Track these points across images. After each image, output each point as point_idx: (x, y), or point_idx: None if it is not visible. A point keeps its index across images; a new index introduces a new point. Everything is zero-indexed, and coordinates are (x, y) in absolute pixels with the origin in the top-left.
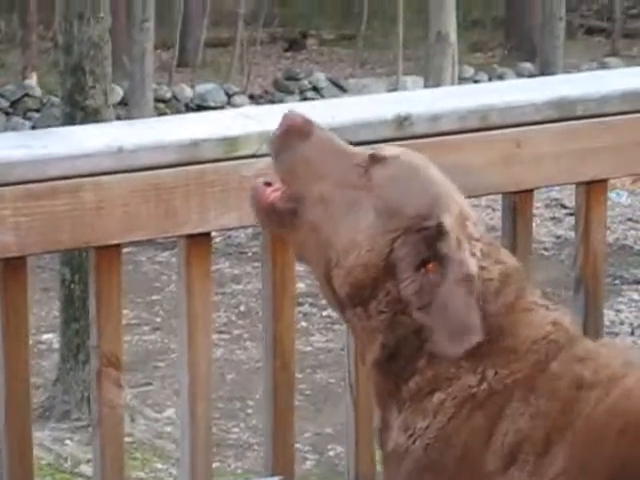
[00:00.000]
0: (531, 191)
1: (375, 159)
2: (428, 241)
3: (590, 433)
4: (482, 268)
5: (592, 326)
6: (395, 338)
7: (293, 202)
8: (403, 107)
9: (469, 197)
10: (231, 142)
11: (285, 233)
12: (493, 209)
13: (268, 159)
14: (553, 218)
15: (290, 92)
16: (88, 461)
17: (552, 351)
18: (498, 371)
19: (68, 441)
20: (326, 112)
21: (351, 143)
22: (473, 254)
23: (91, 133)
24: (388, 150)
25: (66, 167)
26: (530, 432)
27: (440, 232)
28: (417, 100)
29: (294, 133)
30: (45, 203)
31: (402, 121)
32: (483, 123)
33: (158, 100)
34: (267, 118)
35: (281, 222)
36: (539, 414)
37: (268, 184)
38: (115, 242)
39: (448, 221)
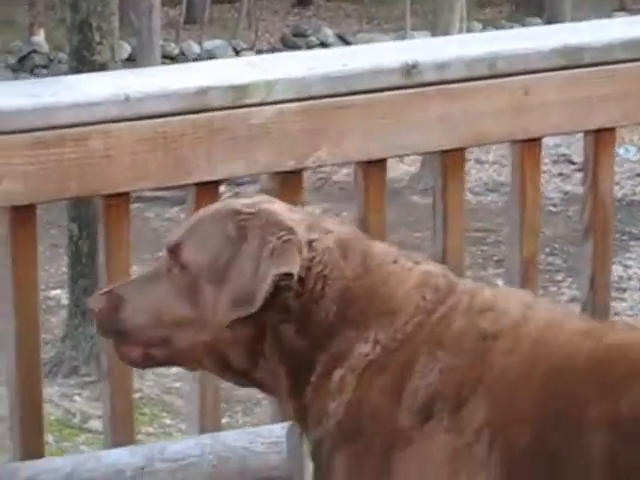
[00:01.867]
0: (539, 139)
1: (173, 251)
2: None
3: (508, 384)
4: (312, 241)
5: (600, 278)
6: (291, 357)
7: (163, 347)
8: (410, 55)
9: (477, 145)
10: (239, 90)
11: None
12: (501, 165)
13: (276, 107)
14: (561, 174)
15: (298, 48)
16: (97, 416)
17: (429, 294)
18: (385, 330)
19: (77, 397)
20: (337, 61)
21: (362, 92)
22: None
23: (99, 81)
24: (172, 236)
25: (74, 115)
26: (442, 387)
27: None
28: (424, 48)
29: (110, 310)
30: (53, 151)
31: (410, 69)
32: (490, 71)
33: (165, 57)
34: (274, 66)
35: (166, 362)
36: (448, 368)
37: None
38: (123, 190)
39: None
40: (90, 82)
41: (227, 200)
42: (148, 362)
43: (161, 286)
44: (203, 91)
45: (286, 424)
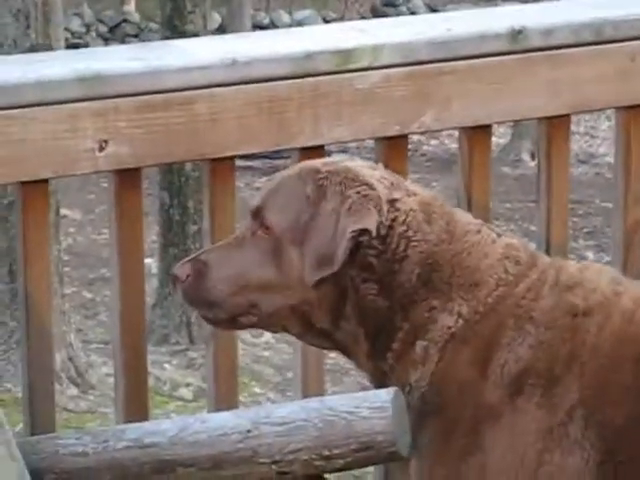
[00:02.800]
0: None
1: (256, 215)
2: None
3: (602, 363)
4: (395, 200)
5: None
6: (371, 319)
7: (249, 314)
8: (517, 20)
9: (582, 112)
10: (345, 55)
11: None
12: (592, 136)
13: (382, 72)
14: None
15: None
16: (187, 384)
17: (511, 267)
18: (468, 303)
19: (167, 365)
20: (441, 25)
21: (467, 57)
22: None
23: (205, 45)
24: (255, 200)
25: (180, 79)
26: (533, 362)
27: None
28: (531, 14)
29: (196, 279)
30: (160, 115)
31: (516, 34)
32: (597, 37)
33: (255, 26)
34: (379, 31)
35: (251, 325)
36: (539, 344)
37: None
38: (229, 154)
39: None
40: (197, 46)
41: (307, 161)
42: (235, 325)
43: (246, 251)
44: (310, 56)
45: (392, 390)
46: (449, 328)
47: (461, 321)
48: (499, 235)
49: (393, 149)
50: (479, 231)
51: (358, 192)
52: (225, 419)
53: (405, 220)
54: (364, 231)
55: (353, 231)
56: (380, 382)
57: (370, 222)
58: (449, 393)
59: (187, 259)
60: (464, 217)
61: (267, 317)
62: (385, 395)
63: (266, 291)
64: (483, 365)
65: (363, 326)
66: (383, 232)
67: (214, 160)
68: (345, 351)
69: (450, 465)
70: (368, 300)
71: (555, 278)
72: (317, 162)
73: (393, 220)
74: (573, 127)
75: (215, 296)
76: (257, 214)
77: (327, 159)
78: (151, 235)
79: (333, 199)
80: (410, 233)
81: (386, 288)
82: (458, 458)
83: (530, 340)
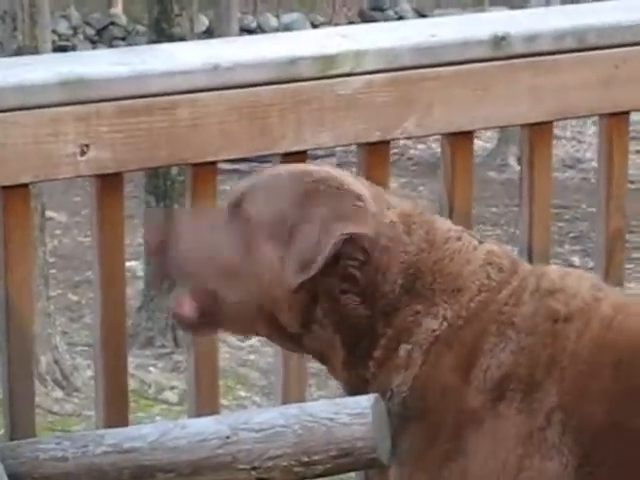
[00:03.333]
0: (627, 113)
1: (235, 204)
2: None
3: (580, 368)
4: (375, 214)
5: None
6: (349, 327)
7: (206, 296)
8: (500, 27)
9: (564, 119)
10: (328, 60)
11: (224, 327)
12: (579, 141)
13: (365, 77)
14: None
15: (376, 22)
16: (172, 387)
17: (493, 273)
18: (452, 307)
19: (152, 368)
20: (425, 31)
21: (451, 63)
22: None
23: (188, 50)
24: (236, 190)
25: (163, 84)
26: (514, 368)
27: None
28: (514, 20)
29: (164, 249)
30: (142, 120)
31: (499, 41)
32: (580, 44)
33: (243, 30)
34: (363, 37)
35: (215, 321)
36: (520, 349)
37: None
38: (211, 159)
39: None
40: (180, 51)
41: (295, 164)
42: (202, 322)
43: (219, 233)
44: (292, 61)
45: (372, 396)
46: (433, 331)
47: (445, 324)
48: (480, 242)
49: (375, 155)
50: (459, 238)
51: (350, 201)
52: (205, 425)
53: (386, 233)
54: (349, 240)
55: (342, 234)
56: (355, 390)
57: (365, 228)
58: (432, 398)
59: (158, 224)
60: (444, 225)
61: (230, 310)
62: (365, 401)
63: (233, 280)
64: (466, 370)
65: (339, 333)
66: (366, 245)
67: (196, 165)
68: (321, 357)
69: (432, 470)
70: (349, 309)
71: (536, 284)
72: (307, 166)
73: (374, 233)
74: (559, 132)
75: (179, 268)
76: (237, 204)
77: (318, 166)
78: (137, 238)
79: (325, 206)
80: (391, 245)
81: (368, 298)
82: (440, 463)
83: (512, 346)
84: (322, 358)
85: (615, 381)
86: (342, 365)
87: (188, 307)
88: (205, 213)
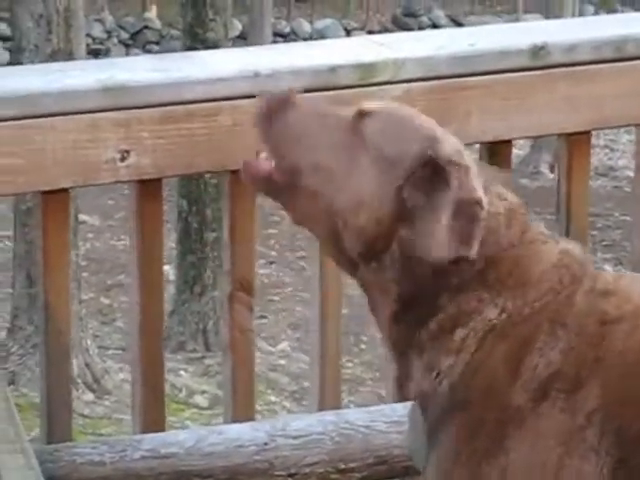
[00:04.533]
0: None
1: (362, 115)
2: (433, 178)
3: (624, 369)
4: (488, 203)
5: None
6: (412, 285)
7: (289, 174)
8: (539, 36)
9: (602, 128)
10: (367, 68)
11: (284, 203)
12: (611, 149)
13: (404, 86)
14: None
15: (409, 28)
16: (202, 392)
17: (566, 278)
18: (516, 302)
19: (182, 372)
20: (464, 40)
21: (489, 72)
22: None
23: (227, 57)
24: (373, 104)
25: (203, 91)
26: (562, 367)
27: (440, 165)
28: (552, 30)
29: (277, 105)
30: (182, 126)
31: (538, 50)
32: (618, 53)
33: (276, 34)
34: (401, 45)
35: (279, 194)
36: (570, 349)
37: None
38: None
39: (448, 153)
40: (220, 58)
41: (431, 124)
42: (268, 186)
43: (330, 131)
44: (332, 69)
45: (408, 404)
46: (490, 320)
47: (504, 315)
48: (557, 242)
49: None
50: (545, 242)
51: (471, 213)
52: (242, 431)
53: (488, 223)
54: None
55: (455, 256)
56: (400, 350)
57: (472, 251)
58: (478, 389)
59: (279, 93)
60: (539, 228)
61: (302, 200)
62: (402, 409)
63: (319, 171)
64: (515, 366)
65: (399, 284)
66: None
67: (235, 171)
68: (368, 297)
69: (472, 466)
70: (418, 267)
71: (591, 285)
72: (436, 131)
73: None
74: (593, 140)
75: (280, 142)
76: (362, 116)
77: (446, 135)
78: (169, 242)
79: (448, 202)
80: (485, 235)
81: (441, 269)
82: (480, 459)
83: (561, 345)
84: (371, 300)
85: None
86: (391, 318)
87: (267, 164)
88: (330, 109)
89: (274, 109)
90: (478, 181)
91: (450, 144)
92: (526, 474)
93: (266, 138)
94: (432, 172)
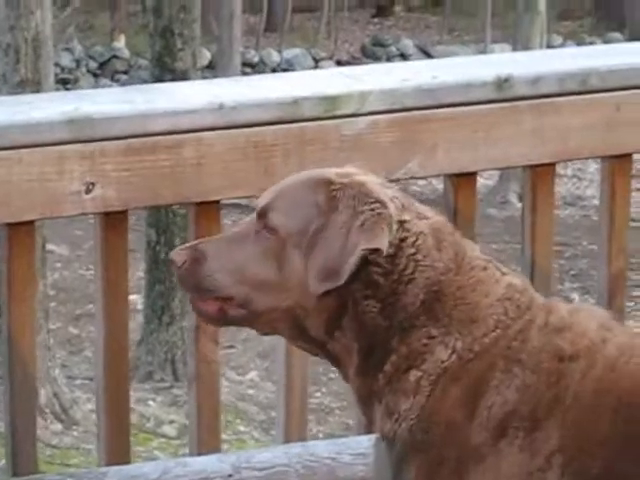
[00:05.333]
0: (630, 155)
1: (262, 214)
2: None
3: (582, 411)
4: (405, 222)
5: None
6: (368, 335)
7: (236, 303)
8: (503, 69)
9: (567, 160)
10: (332, 100)
11: (247, 325)
12: (579, 178)
13: (369, 118)
14: None
15: (377, 58)
16: (171, 422)
17: (511, 310)
18: (465, 340)
19: (151, 402)
20: (427, 73)
21: (454, 104)
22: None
23: (193, 89)
24: (263, 197)
25: (168, 123)
26: (518, 405)
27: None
28: (517, 62)
29: (188, 258)
30: (146, 158)
31: (502, 83)
32: (583, 86)
33: (245, 64)
34: (367, 77)
35: (238, 321)
36: (525, 387)
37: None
38: (214, 198)
39: (338, 184)
40: (185, 90)
41: (319, 169)
42: (223, 320)
43: (247, 246)
44: (296, 101)
45: (373, 436)
46: (442, 362)
47: (454, 357)
48: (503, 273)
49: None
50: (485, 268)
51: (372, 209)
52: (207, 463)
53: (415, 243)
54: (374, 250)
55: (364, 249)
56: (365, 399)
57: (382, 242)
58: (436, 432)
59: (185, 245)
60: (472, 250)
61: (257, 315)
62: (367, 441)
63: (262, 289)
64: (471, 406)
65: (357, 341)
66: (391, 251)
67: (199, 204)
68: (335, 361)
69: None
70: (368, 317)
71: (545, 319)
72: (331, 171)
73: (402, 240)
74: (560, 170)
75: (210, 285)
76: (263, 214)
77: (340, 170)
78: (137, 272)
79: (345, 212)
80: (419, 257)
81: (388, 308)
82: None
83: (517, 383)
84: (338, 363)
85: (614, 426)
86: (355, 373)
87: (212, 307)
88: (236, 226)
89: (188, 263)
90: (382, 191)
91: (340, 174)
92: None
93: (197, 288)
94: (328, 206)
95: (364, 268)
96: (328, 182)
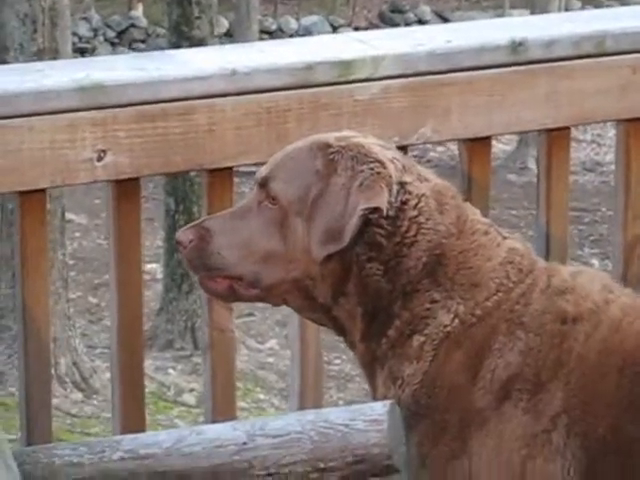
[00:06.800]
0: None
1: (263, 184)
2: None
3: (587, 372)
4: (406, 183)
5: None
6: (372, 299)
7: (244, 279)
8: (518, 32)
9: (582, 124)
10: (345, 65)
11: (256, 300)
12: (598, 144)
13: (382, 83)
14: None
15: (395, 24)
16: (191, 390)
17: (513, 274)
18: (467, 304)
19: (171, 370)
20: (441, 37)
21: (467, 69)
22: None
23: (205, 56)
24: (262, 170)
25: (179, 89)
26: (521, 368)
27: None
28: (531, 25)
29: (195, 237)
30: (158, 125)
31: (516, 46)
32: (598, 49)
33: (263, 32)
34: (381, 42)
35: (247, 297)
36: (528, 349)
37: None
38: (228, 165)
39: (334, 147)
40: (197, 56)
41: (318, 134)
42: (233, 296)
43: (250, 220)
44: (309, 66)
45: (388, 402)
46: (445, 327)
47: (457, 321)
48: (504, 238)
49: None
50: (487, 232)
51: (371, 169)
52: (221, 431)
53: (417, 205)
54: (375, 209)
55: (364, 209)
56: (368, 366)
57: (381, 201)
58: (439, 396)
59: (190, 225)
60: (474, 214)
61: (268, 288)
62: (381, 407)
63: (269, 261)
64: (474, 370)
65: (362, 305)
66: (392, 213)
67: (212, 171)
68: (340, 329)
69: (436, 469)
70: (372, 280)
71: (547, 282)
72: (329, 136)
73: (404, 203)
74: (579, 135)
75: (217, 262)
76: (264, 184)
77: (338, 134)
78: (157, 240)
79: (344, 174)
80: (421, 219)
81: (391, 271)
82: (444, 462)
83: (520, 345)
84: (343, 330)
85: (619, 387)
86: (360, 338)
87: (222, 285)
88: (235, 207)
89: (195, 242)
90: (381, 152)
91: (339, 138)
92: (490, 476)
93: (205, 266)
94: (327, 169)
95: (366, 230)
96: (326, 146)
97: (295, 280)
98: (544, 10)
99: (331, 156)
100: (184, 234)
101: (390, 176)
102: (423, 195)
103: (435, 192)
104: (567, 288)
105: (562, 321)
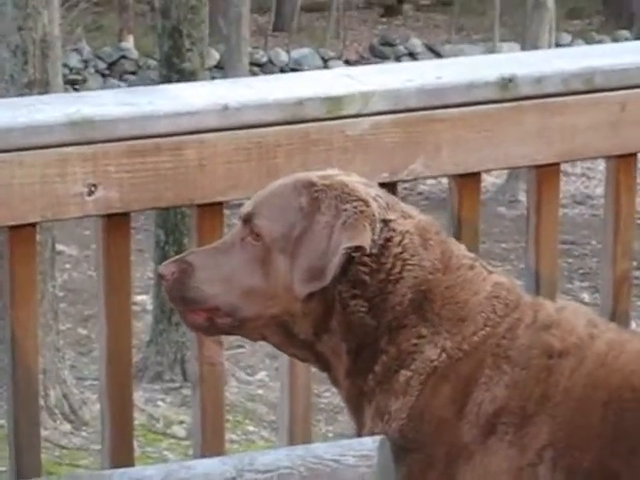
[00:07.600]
0: (635, 155)
1: (246, 221)
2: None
3: (572, 406)
4: (390, 221)
5: None
6: (357, 335)
7: (224, 313)
8: (507, 68)
9: (572, 160)
10: (335, 101)
11: (237, 334)
12: (588, 177)
13: (371, 119)
14: None
15: (386, 57)
16: (180, 422)
17: (499, 308)
18: (454, 339)
19: (160, 402)
20: (431, 72)
21: (457, 105)
22: (370, 201)
23: (196, 91)
24: (246, 206)
25: (170, 124)
26: (507, 401)
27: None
28: (521, 62)
29: (180, 278)
30: (149, 160)
31: (506, 83)
32: (587, 86)
33: (253, 64)
34: (370, 78)
35: (227, 330)
36: (515, 383)
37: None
38: (218, 200)
39: (317, 186)
40: (188, 91)
41: (302, 173)
42: (212, 329)
43: (233, 255)
44: (300, 102)
45: (377, 438)
46: (432, 361)
47: (444, 356)
48: (490, 272)
49: None
50: (472, 267)
51: (354, 207)
52: (210, 466)
53: (401, 242)
54: (358, 247)
55: (346, 247)
56: (354, 401)
57: (364, 239)
58: (426, 430)
59: (173, 259)
60: (459, 249)
61: (245, 323)
62: (370, 443)
63: (250, 297)
64: (460, 404)
65: (346, 342)
66: (375, 251)
67: (203, 205)
68: (324, 365)
69: None
70: (356, 317)
71: (533, 317)
72: (312, 174)
73: (388, 240)
74: (569, 168)
75: (197, 296)
76: (247, 220)
77: (322, 172)
78: (147, 272)
79: (327, 212)
80: (406, 255)
81: (376, 307)
82: None
83: (506, 379)
84: (327, 367)
85: (604, 420)
86: (345, 374)
87: (200, 317)
88: (218, 242)
89: (176, 275)
90: (364, 190)
91: (322, 176)
92: None
93: (184, 299)
94: (311, 207)
95: (350, 268)
96: (310, 184)
97: (273, 316)
98: (534, 43)
99: (315, 194)
100: (166, 267)
101: (373, 214)
102: (407, 232)
103: (419, 228)
104: (553, 323)
105: (548, 356)
